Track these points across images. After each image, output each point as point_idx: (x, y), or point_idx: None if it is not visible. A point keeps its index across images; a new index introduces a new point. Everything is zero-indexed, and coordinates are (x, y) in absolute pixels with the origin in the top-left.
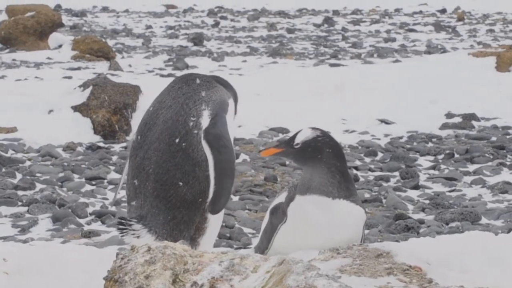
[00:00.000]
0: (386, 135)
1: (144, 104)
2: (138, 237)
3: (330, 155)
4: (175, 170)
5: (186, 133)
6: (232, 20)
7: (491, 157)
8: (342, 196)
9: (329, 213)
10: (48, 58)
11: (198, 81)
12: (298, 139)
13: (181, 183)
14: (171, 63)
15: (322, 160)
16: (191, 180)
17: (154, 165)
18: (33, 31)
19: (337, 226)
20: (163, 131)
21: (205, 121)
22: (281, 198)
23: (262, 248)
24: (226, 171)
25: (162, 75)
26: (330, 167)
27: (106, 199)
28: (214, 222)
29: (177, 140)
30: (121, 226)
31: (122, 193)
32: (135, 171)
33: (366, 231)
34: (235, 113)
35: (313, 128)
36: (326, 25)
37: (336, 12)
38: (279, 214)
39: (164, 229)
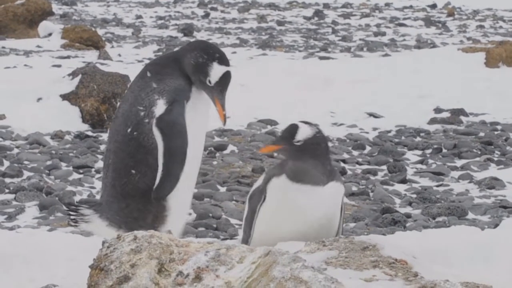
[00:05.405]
0: (375, 129)
1: None
2: (87, 222)
3: (325, 149)
4: (128, 158)
5: (137, 122)
6: (222, 11)
7: (479, 152)
8: (330, 179)
9: (318, 198)
10: (38, 46)
11: (148, 74)
12: (300, 136)
13: (133, 171)
14: (160, 53)
15: (318, 155)
16: (144, 168)
17: (113, 155)
18: (23, 19)
19: (318, 202)
20: (121, 123)
21: (159, 109)
22: (257, 183)
23: (246, 238)
24: (176, 158)
25: None
26: (322, 160)
27: (94, 187)
28: (176, 211)
29: (129, 130)
30: (70, 212)
31: None
32: (103, 163)
33: (353, 224)
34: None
35: (307, 124)
36: (316, 18)
37: (326, 5)
38: (256, 196)
39: (118, 216)
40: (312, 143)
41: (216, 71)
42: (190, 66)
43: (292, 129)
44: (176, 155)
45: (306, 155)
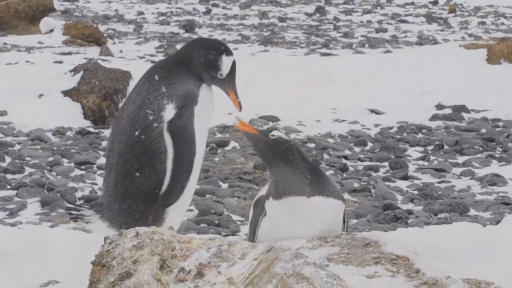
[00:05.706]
0: (376, 125)
1: None
2: (87, 222)
3: (299, 157)
4: (133, 161)
5: (146, 126)
6: (224, 7)
7: (481, 149)
8: (316, 192)
9: (307, 211)
10: (39, 42)
11: (156, 77)
12: (275, 133)
13: (137, 174)
14: (162, 49)
15: (293, 162)
16: (148, 171)
17: (117, 156)
18: (24, 15)
19: (316, 222)
20: (126, 124)
21: (168, 114)
22: (263, 191)
23: (250, 241)
24: (183, 165)
25: (153, 62)
26: (300, 169)
27: (95, 184)
28: (174, 214)
29: (136, 133)
30: (71, 212)
31: None
32: (105, 162)
33: (355, 221)
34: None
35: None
36: (318, 15)
37: (328, 2)
38: (259, 207)
39: (118, 217)
40: (283, 144)
41: (226, 63)
42: (200, 65)
43: (270, 128)
44: (184, 164)
45: (278, 157)
